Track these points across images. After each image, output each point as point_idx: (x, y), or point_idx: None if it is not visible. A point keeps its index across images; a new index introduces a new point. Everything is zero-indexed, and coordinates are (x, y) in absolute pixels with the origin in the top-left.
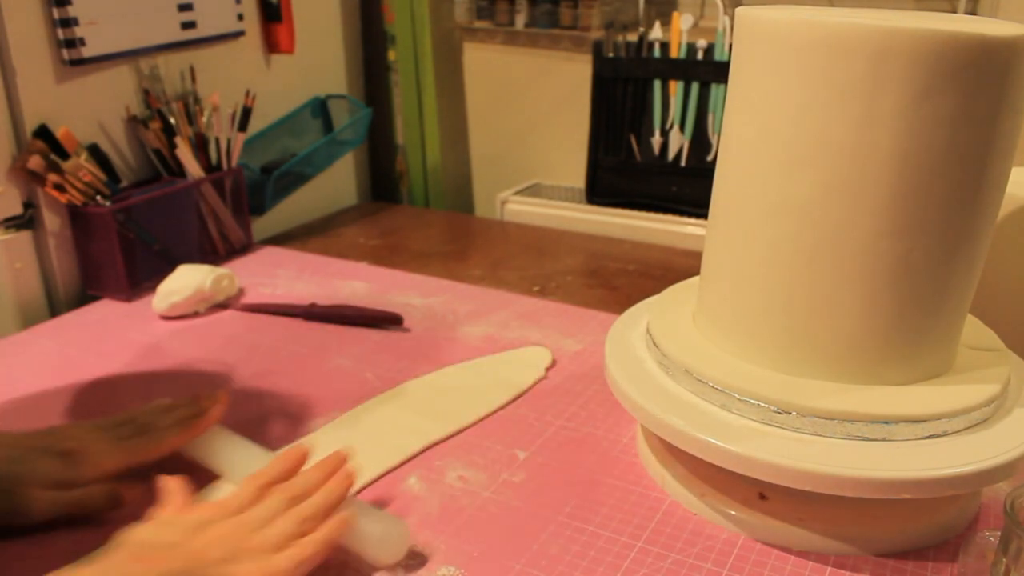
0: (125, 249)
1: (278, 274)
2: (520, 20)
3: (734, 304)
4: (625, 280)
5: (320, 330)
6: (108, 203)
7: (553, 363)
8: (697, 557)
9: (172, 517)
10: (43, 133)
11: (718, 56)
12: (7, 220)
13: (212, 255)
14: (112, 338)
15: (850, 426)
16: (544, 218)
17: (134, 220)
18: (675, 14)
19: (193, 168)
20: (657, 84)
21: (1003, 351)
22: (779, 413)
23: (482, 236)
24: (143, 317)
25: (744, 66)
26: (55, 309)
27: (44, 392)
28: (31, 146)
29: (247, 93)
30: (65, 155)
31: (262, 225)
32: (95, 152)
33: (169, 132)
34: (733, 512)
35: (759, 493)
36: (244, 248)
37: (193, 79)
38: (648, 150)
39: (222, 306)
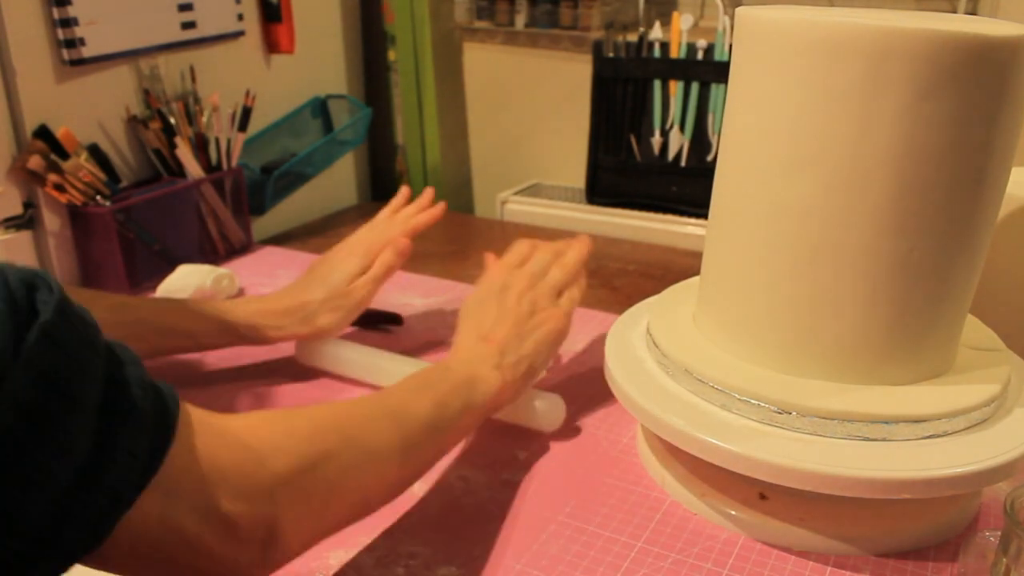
0: (125, 249)
1: (278, 274)
2: (520, 20)
3: (734, 304)
4: (625, 280)
5: None
6: (108, 203)
7: (553, 363)
8: (697, 557)
9: (483, 285)
10: (43, 133)
11: (718, 56)
12: (7, 220)
13: (212, 255)
14: None
15: (850, 426)
16: (544, 218)
17: (134, 220)
18: (675, 14)
19: (193, 168)
20: (657, 84)
21: (1003, 351)
22: (779, 413)
23: (482, 236)
24: None
25: (744, 66)
26: None
27: None
28: (31, 146)
29: (247, 93)
30: (65, 155)
31: (262, 225)
32: (95, 152)
33: (169, 132)
34: (733, 512)
35: (759, 493)
36: (244, 248)
37: (193, 79)
38: (648, 150)
39: None
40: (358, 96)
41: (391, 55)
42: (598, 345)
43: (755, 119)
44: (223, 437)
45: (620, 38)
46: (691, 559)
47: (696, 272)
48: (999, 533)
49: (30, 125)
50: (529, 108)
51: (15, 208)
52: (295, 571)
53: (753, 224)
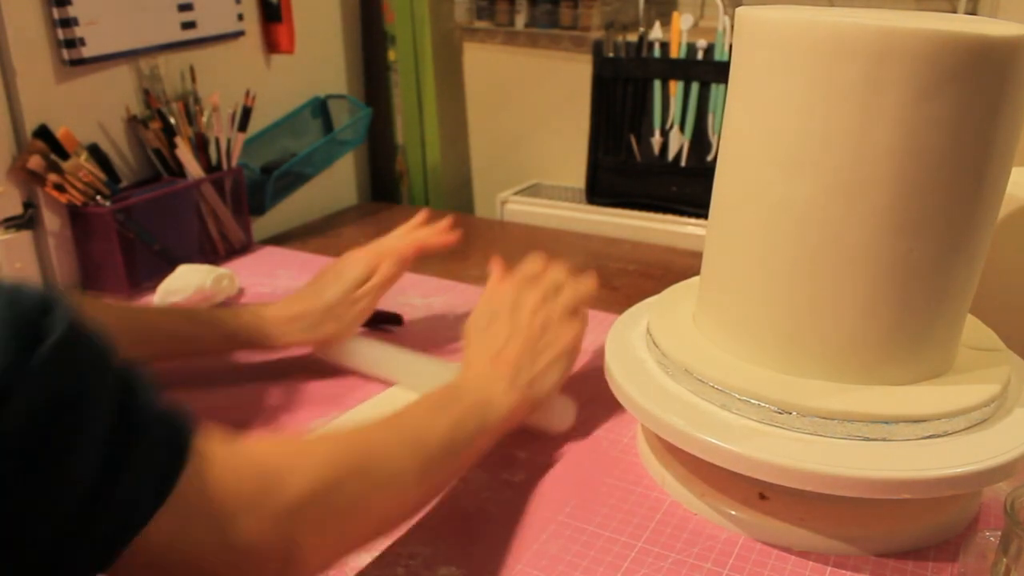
0: (125, 249)
1: (278, 274)
2: (520, 20)
3: (734, 304)
4: (625, 280)
5: None
6: (108, 203)
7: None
8: (697, 557)
9: (494, 300)
10: (43, 133)
11: (718, 56)
12: (7, 220)
13: (212, 255)
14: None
15: (850, 426)
16: (544, 218)
17: (134, 220)
18: (675, 14)
19: (193, 168)
20: (657, 84)
21: (1003, 351)
22: (779, 413)
23: (482, 236)
24: None
25: (744, 66)
26: None
27: None
28: (31, 146)
29: (247, 93)
30: (65, 155)
31: (262, 225)
32: (95, 152)
33: (169, 132)
34: (733, 512)
35: (759, 493)
36: (244, 248)
37: (193, 79)
38: (648, 150)
39: (222, 306)
40: (358, 96)
41: (391, 55)
42: (598, 345)
43: (755, 119)
44: (240, 460)
45: (620, 38)
46: (691, 559)
47: (696, 272)
48: (999, 533)
49: (30, 125)
50: (529, 108)
51: (15, 208)
52: None
53: (753, 224)
